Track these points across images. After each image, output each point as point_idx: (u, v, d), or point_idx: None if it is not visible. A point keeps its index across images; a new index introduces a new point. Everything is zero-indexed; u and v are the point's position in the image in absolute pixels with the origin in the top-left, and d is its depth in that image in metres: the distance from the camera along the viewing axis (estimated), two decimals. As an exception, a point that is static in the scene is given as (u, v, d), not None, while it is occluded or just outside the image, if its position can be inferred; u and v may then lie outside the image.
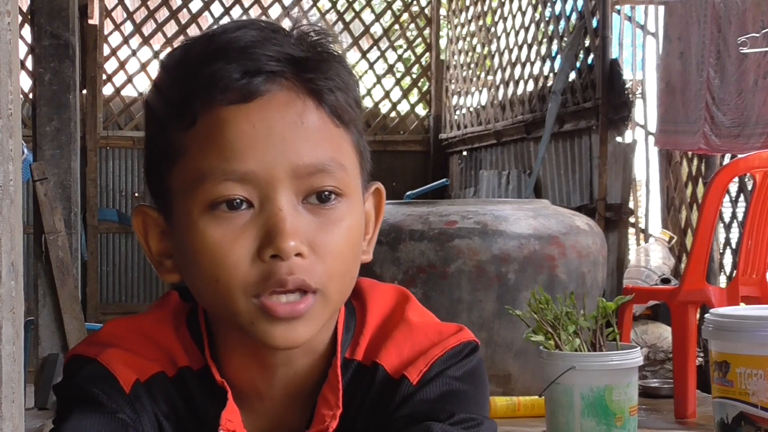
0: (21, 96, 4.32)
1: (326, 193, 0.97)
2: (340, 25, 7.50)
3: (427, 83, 7.76)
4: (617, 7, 5.34)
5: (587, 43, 5.50)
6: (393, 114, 7.65)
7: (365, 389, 1.05)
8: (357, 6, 7.74)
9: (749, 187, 4.61)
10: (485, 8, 7.04)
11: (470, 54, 7.30)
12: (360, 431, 1.05)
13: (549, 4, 6.07)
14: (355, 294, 1.07)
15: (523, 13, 6.43)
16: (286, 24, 1.03)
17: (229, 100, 0.96)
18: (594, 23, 5.39)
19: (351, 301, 1.07)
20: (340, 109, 0.99)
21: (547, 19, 6.10)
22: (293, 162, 0.96)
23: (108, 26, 7.10)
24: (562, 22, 5.86)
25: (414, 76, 7.86)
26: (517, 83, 6.50)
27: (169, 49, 1.06)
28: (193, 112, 0.97)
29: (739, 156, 3.83)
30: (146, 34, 7.13)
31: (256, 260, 0.96)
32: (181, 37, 7.02)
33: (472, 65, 7.27)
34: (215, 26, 1.04)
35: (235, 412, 1.03)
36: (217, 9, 7.22)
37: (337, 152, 0.98)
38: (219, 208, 0.96)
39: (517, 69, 6.50)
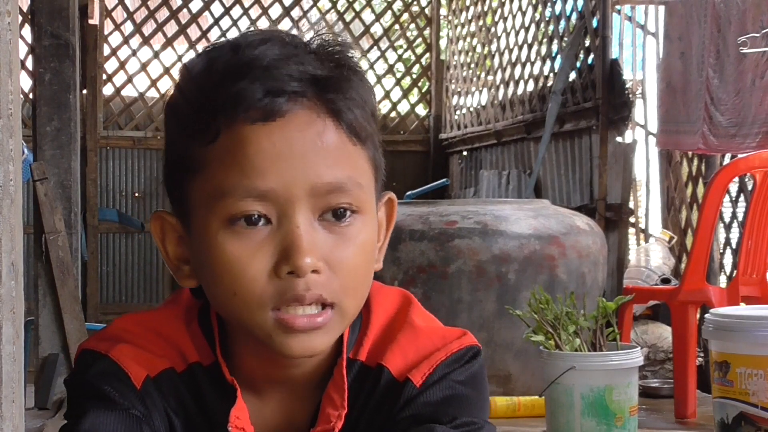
0: (21, 96, 4.31)
1: (342, 210, 1.00)
2: (340, 25, 7.49)
3: (428, 83, 7.75)
4: (617, 7, 5.34)
5: (587, 43, 5.50)
6: (393, 114, 7.65)
7: (369, 390, 1.07)
8: (357, 6, 7.73)
9: (749, 187, 4.61)
10: (485, 8, 7.04)
11: (470, 54, 7.30)
12: (364, 429, 1.07)
13: (549, 4, 6.07)
14: None
15: (524, 13, 6.43)
16: (306, 28, 1.04)
17: (251, 119, 0.97)
18: (594, 23, 5.38)
19: None
20: (359, 126, 1.01)
21: (547, 19, 6.10)
22: (312, 181, 0.97)
23: (108, 26, 7.09)
24: (563, 22, 5.86)
25: (414, 76, 7.86)
26: (517, 83, 6.50)
27: (179, 58, 1.07)
28: (216, 128, 0.98)
29: (740, 156, 3.83)
30: (146, 34, 7.13)
31: (273, 276, 0.98)
32: (182, 37, 7.05)
33: (473, 65, 7.27)
34: (238, 35, 1.04)
35: (243, 410, 1.05)
36: (217, 9, 7.22)
37: (354, 171, 1.00)
38: (238, 223, 0.98)
39: (518, 69, 6.50)
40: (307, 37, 1.04)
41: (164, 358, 1.06)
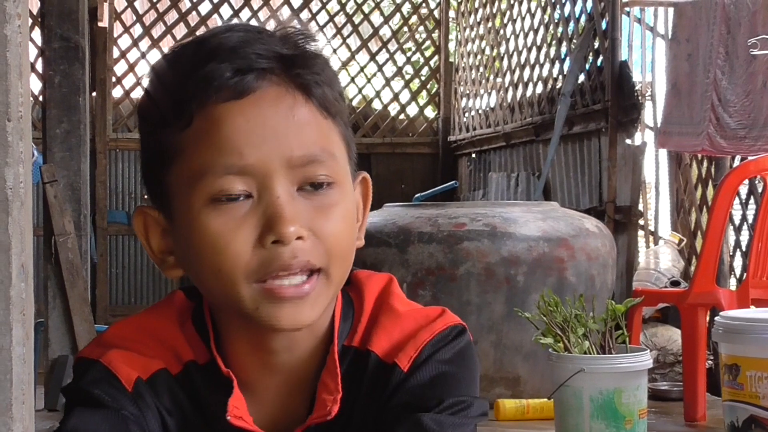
0: (31, 98, 4.33)
1: (320, 181, 1.01)
2: (349, 28, 7.50)
3: (436, 85, 7.75)
4: (627, 9, 5.33)
5: (596, 45, 5.49)
6: (402, 116, 7.64)
7: (361, 375, 1.08)
8: (366, 8, 7.74)
9: (759, 190, 4.60)
10: (494, 10, 7.04)
11: (479, 56, 7.30)
12: (358, 417, 1.08)
13: (558, 6, 6.06)
14: (353, 285, 1.11)
15: (532, 16, 6.43)
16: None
17: (223, 98, 0.99)
18: (603, 25, 5.38)
19: (348, 292, 1.10)
20: (327, 102, 1.03)
21: (556, 21, 6.10)
22: (288, 153, 1.00)
23: (117, 29, 7.11)
24: (572, 24, 5.85)
25: (423, 78, 7.86)
26: (526, 85, 6.49)
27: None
28: (189, 112, 1.00)
29: (750, 158, 3.82)
30: (155, 37, 7.14)
31: (258, 247, 0.99)
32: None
33: (481, 67, 7.27)
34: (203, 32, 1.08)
35: (240, 400, 1.06)
36: (226, 11, 7.23)
37: (327, 142, 1.03)
38: (219, 200, 1.00)
39: (526, 71, 6.49)
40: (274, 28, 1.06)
41: (157, 359, 1.08)
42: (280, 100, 1.00)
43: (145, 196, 1.09)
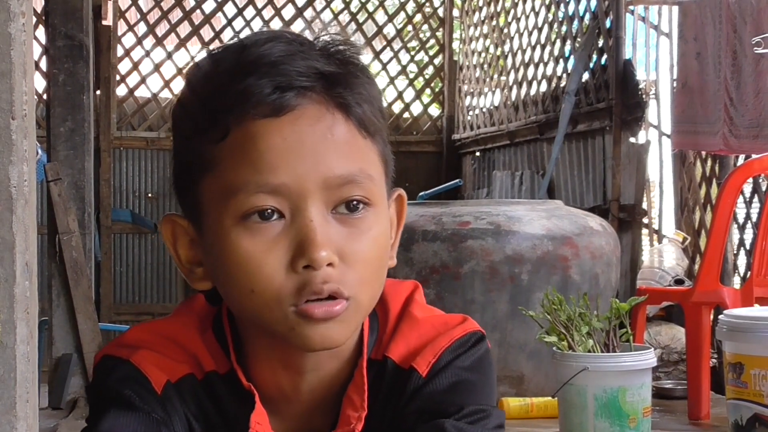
0: (35, 97, 4.33)
1: (355, 202, 1.00)
2: (353, 26, 7.50)
3: (440, 84, 7.75)
4: (631, 7, 5.33)
5: (600, 43, 5.49)
6: (406, 115, 7.64)
7: (379, 383, 1.07)
8: (370, 7, 7.74)
9: (763, 188, 4.59)
10: (498, 9, 7.04)
11: (483, 55, 7.30)
12: (375, 424, 1.07)
13: (562, 5, 6.06)
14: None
15: (536, 14, 6.42)
16: (319, 28, 1.04)
17: (261, 114, 0.97)
18: (607, 23, 5.38)
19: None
20: (367, 121, 1.01)
21: (560, 19, 6.09)
22: (324, 174, 0.98)
23: (122, 27, 7.11)
24: (576, 23, 5.85)
25: (427, 76, 7.86)
26: (530, 84, 6.49)
27: (192, 59, 1.08)
28: (225, 126, 0.99)
29: (753, 156, 3.82)
30: (160, 35, 7.14)
31: (290, 271, 0.97)
32: (195, 38, 7.07)
33: (485, 66, 7.27)
34: (242, 36, 1.05)
35: (263, 415, 1.05)
36: (230, 10, 7.23)
37: (365, 163, 1.01)
38: (251, 219, 0.98)
39: (531, 69, 6.49)
40: (313, 36, 1.04)
41: (184, 364, 1.06)
42: (319, 120, 0.98)
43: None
